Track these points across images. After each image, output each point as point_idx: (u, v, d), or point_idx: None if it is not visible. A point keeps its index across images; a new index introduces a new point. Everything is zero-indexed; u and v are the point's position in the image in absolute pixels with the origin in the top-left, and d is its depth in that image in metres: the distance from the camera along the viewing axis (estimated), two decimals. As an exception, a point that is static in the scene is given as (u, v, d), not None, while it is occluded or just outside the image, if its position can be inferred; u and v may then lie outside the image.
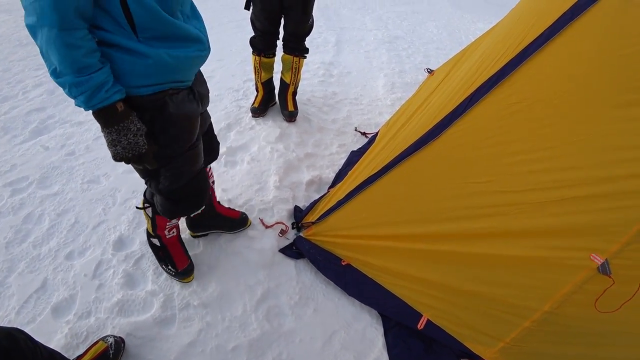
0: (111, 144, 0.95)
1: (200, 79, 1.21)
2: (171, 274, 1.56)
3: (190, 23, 1.02)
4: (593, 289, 1.06)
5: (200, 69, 1.16)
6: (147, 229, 1.56)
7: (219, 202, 1.76)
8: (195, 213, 1.37)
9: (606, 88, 1.03)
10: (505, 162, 1.17)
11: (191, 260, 1.59)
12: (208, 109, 1.36)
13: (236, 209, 1.83)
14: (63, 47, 0.77)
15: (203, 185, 1.33)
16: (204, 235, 1.77)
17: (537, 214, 1.11)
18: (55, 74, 0.83)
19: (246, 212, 1.85)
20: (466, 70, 1.49)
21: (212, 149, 1.48)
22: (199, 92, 1.16)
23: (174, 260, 1.54)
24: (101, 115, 0.91)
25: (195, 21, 1.06)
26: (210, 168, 1.55)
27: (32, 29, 0.78)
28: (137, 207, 1.46)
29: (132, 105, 0.96)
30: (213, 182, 1.61)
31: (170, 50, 0.93)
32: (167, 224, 1.47)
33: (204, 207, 1.38)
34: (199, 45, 1.02)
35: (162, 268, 1.58)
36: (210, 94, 1.31)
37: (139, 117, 0.98)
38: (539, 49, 1.14)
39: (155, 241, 1.55)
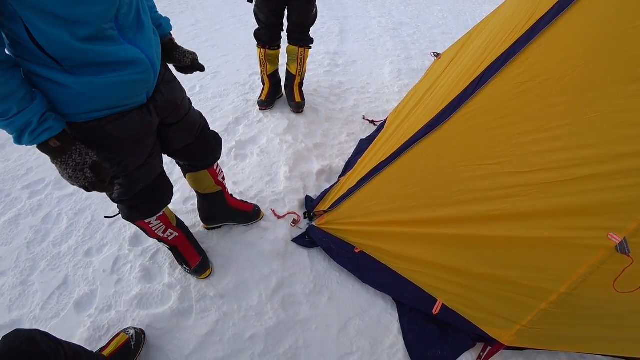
0: (61, 174, 0.93)
1: (166, 87, 1.11)
2: (187, 272, 1.59)
3: (129, 40, 0.89)
4: (611, 269, 1.04)
5: (206, 64, 1.10)
6: None
7: (231, 195, 1.77)
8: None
9: (616, 63, 0.99)
10: (516, 142, 1.15)
11: (205, 255, 1.62)
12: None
13: (248, 201, 1.85)
14: None
15: (159, 193, 1.31)
16: (217, 228, 1.79)
17: (551, 194, 1.09)
18: None
19: (258, 204, 1.86)
20: (474, 51, 1.46)
21: (209, 150, 1.44)
22: (159, 104, 1.08)
23: (186, 258, 1.57)
24: (42, 150, 0.87)
25: (140, 35, 0.92)
26: (217, 165, 1.55)
27: None
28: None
29: (75, 130, 0.93)
30: (223, 178, 1.62)
31: (95, 78, 0.84)
32: (153, 228, 1.40)
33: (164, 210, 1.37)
34: (134, 68, 0.90)
35: (180, 266, 1.61)
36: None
37: (82, 142, 0.93)
38: (547, 26, 1.11)
39: (163, 244, 1.56)
